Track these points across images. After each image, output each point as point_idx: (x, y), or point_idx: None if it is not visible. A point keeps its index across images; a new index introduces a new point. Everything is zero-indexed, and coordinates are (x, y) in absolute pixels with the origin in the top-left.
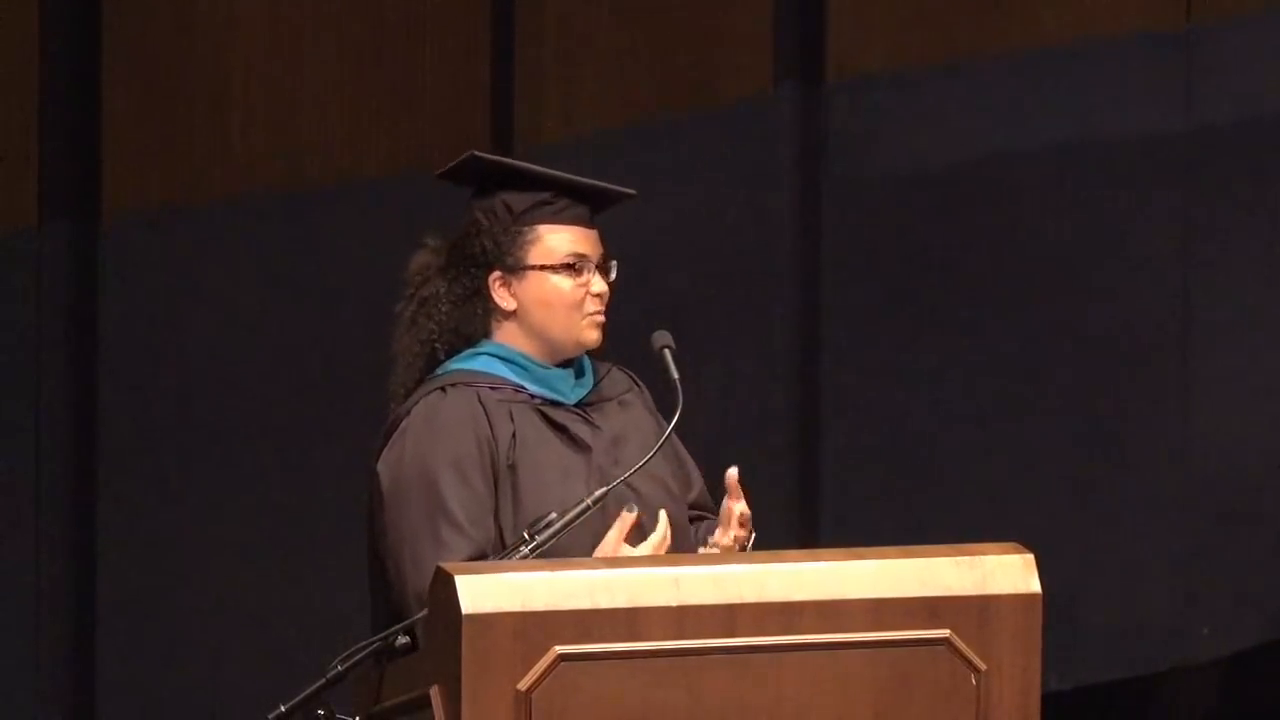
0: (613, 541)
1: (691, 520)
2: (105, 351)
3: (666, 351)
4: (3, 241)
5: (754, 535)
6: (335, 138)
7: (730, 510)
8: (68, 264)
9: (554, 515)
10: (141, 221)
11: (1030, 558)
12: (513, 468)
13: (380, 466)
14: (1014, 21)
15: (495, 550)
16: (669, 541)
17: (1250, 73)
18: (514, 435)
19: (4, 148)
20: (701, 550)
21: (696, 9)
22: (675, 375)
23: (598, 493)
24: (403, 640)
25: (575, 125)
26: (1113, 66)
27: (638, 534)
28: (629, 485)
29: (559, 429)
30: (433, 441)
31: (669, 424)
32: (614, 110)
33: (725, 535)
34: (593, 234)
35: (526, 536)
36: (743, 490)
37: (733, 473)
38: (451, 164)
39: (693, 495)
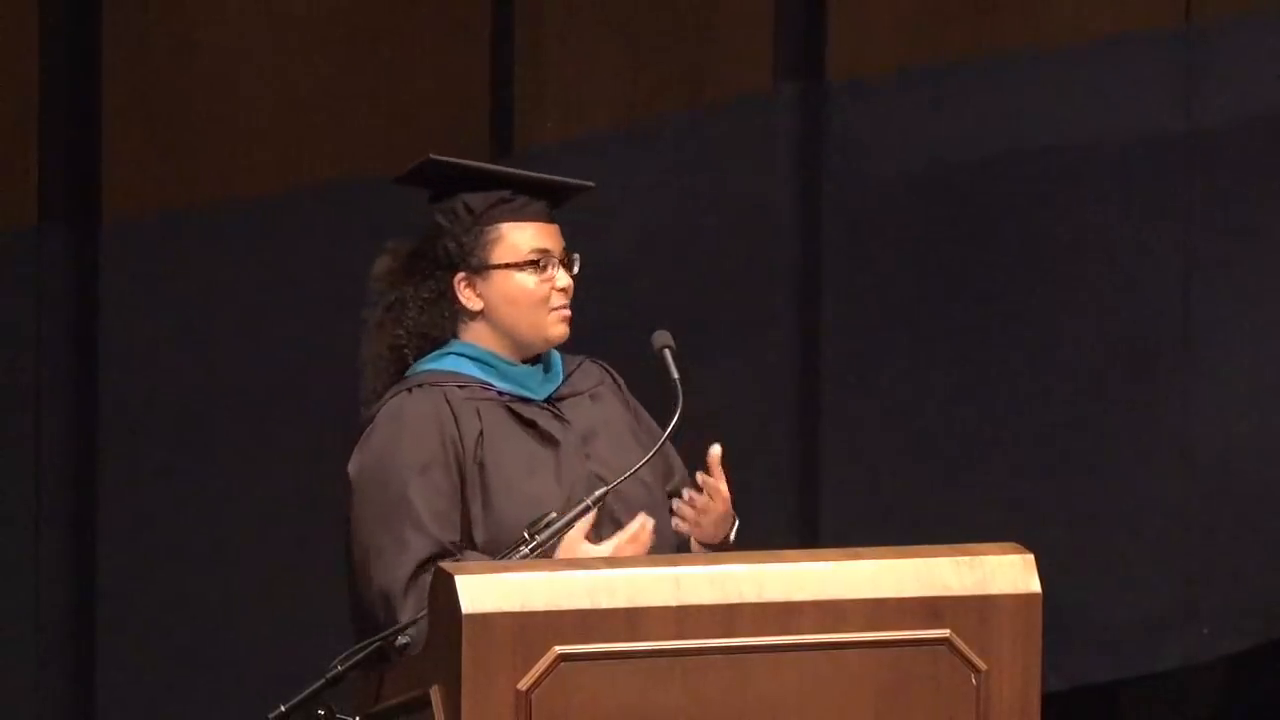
0: (575, 540)
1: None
2: (105, 352)
3: (666, 351)
4: (3, 241)
5: (737, 522)
6: (335, 138)
7: (705, 484)
8: (68, 264)
9: (554, 515)
10: (141, 222)
11: (1030, 558)
12: (481, 465)
13: (349, 467)
14: (1014, 21)
15: (460, 547)
16: (644, 540)
17: (1250, 73)
18: (481, 433)
19: (4, 148)
20: (674, 519)
21: (696, 8)
22: (675, 375)
23: (597, 493)
24: (403, 640)
25: (575, 125)
26: (1113, 66)
27: (615, 527)
28: (603, 481)
29: (528, 425)
30: (397, 440)
31: (668, 424)
32: (613, 110)
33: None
34: (553, 229)
35: (526, 536)
36: (725, 473)
37: (715, 450)
38: (409, 168)
39: (673, 483)
